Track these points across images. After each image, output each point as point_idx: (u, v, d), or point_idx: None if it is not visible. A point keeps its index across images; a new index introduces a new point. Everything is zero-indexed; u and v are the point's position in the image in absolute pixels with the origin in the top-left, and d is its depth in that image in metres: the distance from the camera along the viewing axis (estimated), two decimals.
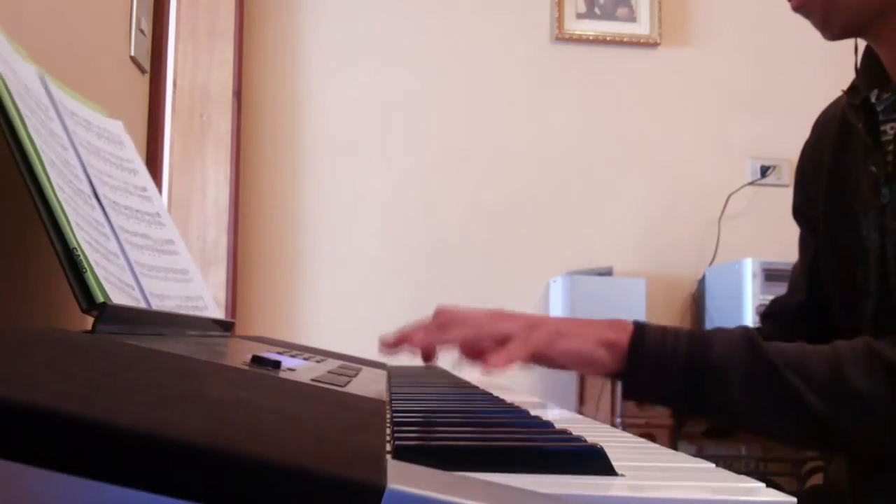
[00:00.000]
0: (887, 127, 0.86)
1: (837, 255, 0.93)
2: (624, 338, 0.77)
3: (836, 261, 0.93)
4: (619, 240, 2.50)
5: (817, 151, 0.99)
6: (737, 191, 2.52)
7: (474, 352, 0.80)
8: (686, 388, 0.75)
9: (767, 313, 1.08)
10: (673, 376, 0.75)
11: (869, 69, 0.89)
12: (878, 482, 0.86)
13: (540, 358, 0.78)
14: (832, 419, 0.71)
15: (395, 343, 0.81)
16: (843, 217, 0.91)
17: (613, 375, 0.79)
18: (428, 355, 0.81)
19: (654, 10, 2.54)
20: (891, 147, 0.85)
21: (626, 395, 0.79)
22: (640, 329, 0.78)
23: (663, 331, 0.78)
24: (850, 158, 0.92)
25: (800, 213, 1.07)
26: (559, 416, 0.78)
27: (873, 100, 0.86)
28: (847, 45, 0.91)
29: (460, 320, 0.80)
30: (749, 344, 0.75)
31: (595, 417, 1.91)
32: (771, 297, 2.34)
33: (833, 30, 0.86)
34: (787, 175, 2.56)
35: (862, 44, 0.90)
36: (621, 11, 2.55)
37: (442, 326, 0.80)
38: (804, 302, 1.02)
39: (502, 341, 0.77)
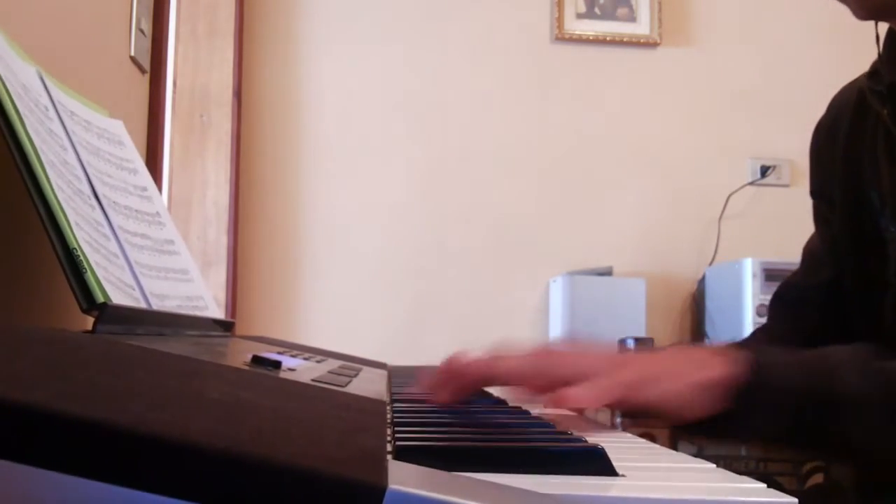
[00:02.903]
0: None
1: (854, 244, 0.90)
2: (730, 374, 0.65)
3: (853, 249, 0.90)
4: (619, 240, 2.50)
5: (832, 133, 0.95)
6: (737, 191, 2.52)
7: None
8: (807, 426, 0.65)
9: (780, 298, 1.01)
10: (794, 414, 0.64)
11: (892, 54, 0.86)
12: (885, 483, 0.85)
13: (626, 404, 0.65)
14: None
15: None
16: (858, 205, 0.89)
17: (714, 417, 0.66)
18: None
19: (654, 10, 2.54)
20: None
21: (729, 434, 0.68)
22: (749, 361, 0.65)
23: (774, 359, 0.67)
24: (867, 144, 0.89)
25: (818, 192, 1.00)
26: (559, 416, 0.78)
27: None
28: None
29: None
30: (881, 371, 0.65)
31: (595, 417, 1.91)
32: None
33: (868, 9, 0.83)
34: (787, 175, 2.56)
35: (882, 29, 0.87)
36: (621, 11, 2.55)
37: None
38: (826, 281, 0.94)
39: (580, 378, 0.63)
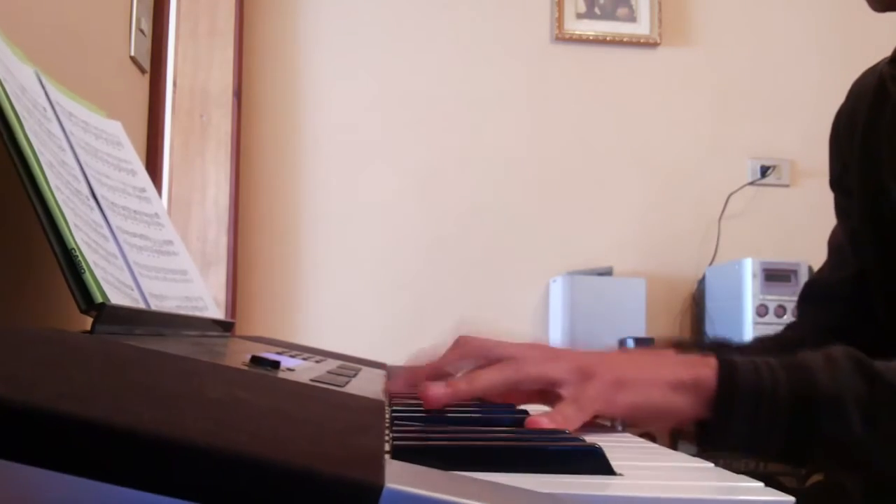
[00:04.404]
0: None
1: (874, 235, 0.89)
2: (708, 375, 0.62)
3: (873, 240, 0.89)
4: (619, 240, 2.50)
5: (851, 120, 0.94)
6: (737, 191, 2.52)
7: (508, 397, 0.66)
8: (793, 430, 0.61)
9: (807, 296, 0.99)
10: (776, 418, 0.61)
11: None
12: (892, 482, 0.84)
13: (600, 416, 0.63)
14: None
15: (403, 391, 0.64)
16: (877, 195, 0.88)
17: (690, 422, 0.63)
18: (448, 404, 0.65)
19: (654, 10, 2.54)
20: None
21: (709, 444, 0.64)
22: (728, 364, 0.63)
23: (753, 363, 0.63)
24: (884, 131, 0.88)
25: (838, 182, 0.98)
26: None
27: None
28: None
29: (492, 359, 0.65)
30: (860, 368, 0.62)
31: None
32: (771, 297, 2.31)
33: (885, 3, 0.83)
34: (787, 175, 2.56)
35: None
36: (621, 11, 2.55)
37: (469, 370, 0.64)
38: (853, 274, 0.93)
39: (547, 387, 0.63)
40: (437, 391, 0.60)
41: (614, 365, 0.63)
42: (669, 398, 0.62)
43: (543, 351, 0.66)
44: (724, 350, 0.72)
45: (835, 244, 1.00)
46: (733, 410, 0.62)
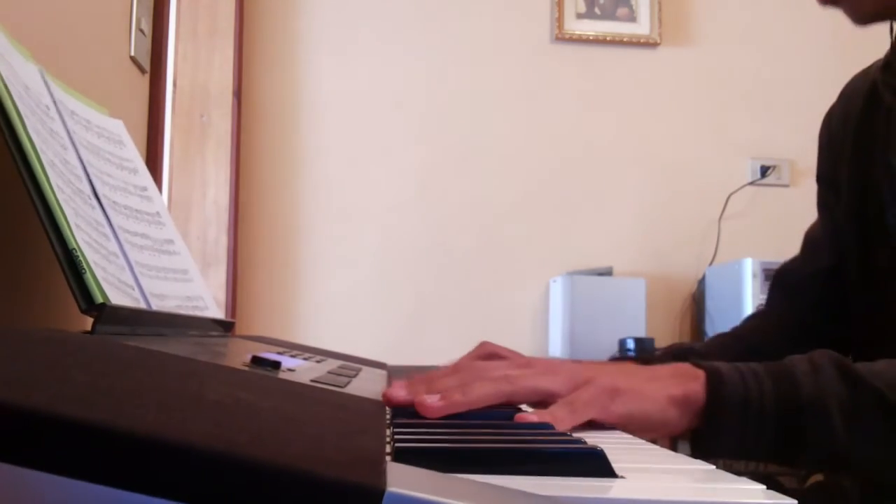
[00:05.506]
0: None
1: (859, 235, 0.90)
2: (697, 389, 0.64)
3: (858, 240, 0.90)
4: (619, 240, 2.50)
5: (843, 121, 0.95)
6: (737, 191, 2.52)
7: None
8: (780, 437, 0.63)
9: (778, 283, 1.01)
10: (764, 427, 0.63)
11: None
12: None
13: (595, 422, 0.64)
14: None
15: (403, 401, 0.63)
16: (865, 196, 0.88)
17: (682, 433, 0.65)
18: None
19: (654, 10, 2.54)
20: None
21: (702, 451, 0.65)
22: (715, 376, 0.64)
23: (739, 372, 0.65)
24: (876, 136, 0.88)
25: (826, 178, 0.99)
26: None
27: None
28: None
29: (489, 371, 0.65)
30: (843, 373, 0.64)
31: None
32: None
33: (864, 17, 0.84)
34: (787, 175, 2.56)
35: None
36: (621, 11, 2.55)
37: (463, 380, 0.64)
38: (825, 269, 0.95)
39: (542, 399, 0.63)
40: (433, 403, 0.60)
41: (610, 374, 0.64)
42: (663, 410, 0.63)
43: (545, 365, 0.66)
44: (687, 355, 0.73)
45: (810, 236, 1.02)
46: (722, 422, 0.64)
